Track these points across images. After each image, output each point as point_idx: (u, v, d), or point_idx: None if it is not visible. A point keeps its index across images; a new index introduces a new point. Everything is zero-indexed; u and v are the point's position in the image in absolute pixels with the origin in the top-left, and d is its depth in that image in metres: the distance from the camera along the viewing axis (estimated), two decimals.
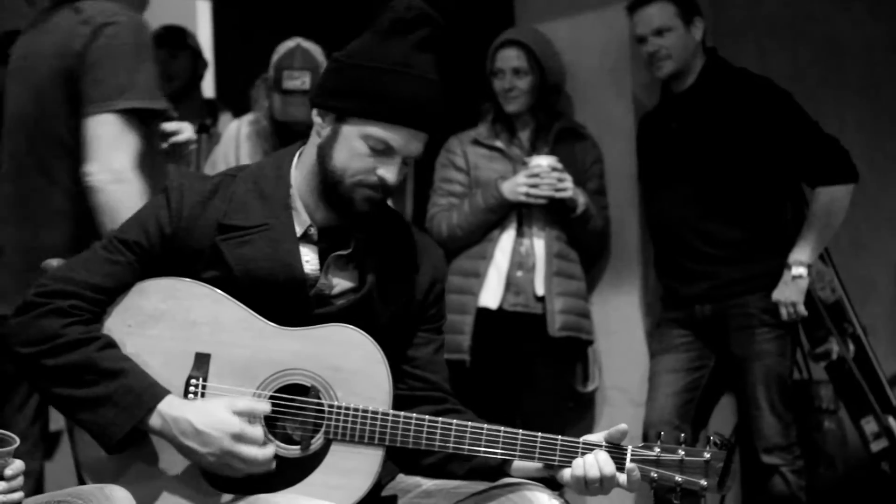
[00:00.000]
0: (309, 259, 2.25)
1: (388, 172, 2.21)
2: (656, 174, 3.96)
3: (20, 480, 1.99)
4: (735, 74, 3.85)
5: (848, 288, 4.16)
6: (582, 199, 3.93)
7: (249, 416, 2.13)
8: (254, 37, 4.83)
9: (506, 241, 3.98)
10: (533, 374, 4.00)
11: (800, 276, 3.69)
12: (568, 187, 3.88)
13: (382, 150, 2.20)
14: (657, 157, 3.95)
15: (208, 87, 5.10)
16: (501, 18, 4.60)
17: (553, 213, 3.95)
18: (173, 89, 4.72)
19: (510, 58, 4.04)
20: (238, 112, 4.54)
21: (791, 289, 3.69)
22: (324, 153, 2.23)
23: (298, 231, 2.26)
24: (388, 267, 2.29)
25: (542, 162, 3.87)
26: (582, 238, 4.04)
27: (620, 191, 4.17)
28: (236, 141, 4.19)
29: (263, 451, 2.13)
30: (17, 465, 1.97)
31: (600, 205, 4.08)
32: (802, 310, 3.70)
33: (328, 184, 2.23)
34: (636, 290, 4.19)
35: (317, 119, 2.26)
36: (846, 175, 3.73)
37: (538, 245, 3.97)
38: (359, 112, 2.21)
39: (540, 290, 3.94)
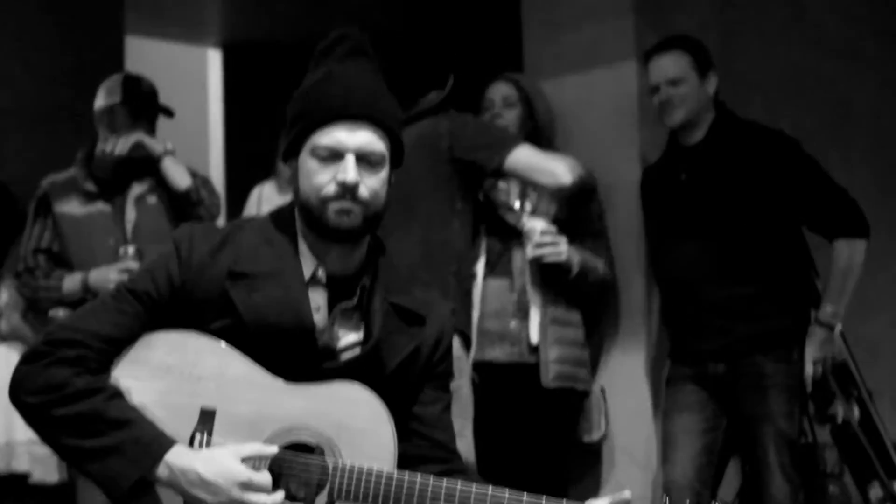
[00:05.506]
0: (319, 307, 2.26)
1: (343, 173, 2.21)
2: (665, 227, 3.92)
3: None
4: (746, 127, 3.83)
5: (853, 350, 4.13)
6: (577, 260, 3.85)
7: (257, 461, 2.12)
8: (265, 87, 4.84)
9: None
10: (529, 425, 3.96)
11: (837, 331, 3.72)
12: (562, 251, 3.82)
13: (330, 157, 2.22)
14: (665, 210, 3.91)
15: (216, 138, 5.07)
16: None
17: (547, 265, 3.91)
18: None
19: (499, 89, 4.09)
20: (251, 165, 4.49)
21: (830, 345, 3.72)
22: (296, 193, 2.27)
23: (307, 274, 2.26)
24: (394, 320, 2.28)
25: (536, 226, 3.84)
26: (581, 291, 4.00)
27: (626, 247, 4.15)
28: (258, 206, 4.15)
29: (272, 498, 2.12)
30: None
31: (604, 246, 4.04)
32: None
33: (306, 216, 2.26)
34: (642, 347, 4.16)
35: (286, 171, 2.29)
36: (862, 229, 3.74)
37: (533, 293, 3.92)
38: (299, 133, 2.25)
39: (535, 338, 3.90)
